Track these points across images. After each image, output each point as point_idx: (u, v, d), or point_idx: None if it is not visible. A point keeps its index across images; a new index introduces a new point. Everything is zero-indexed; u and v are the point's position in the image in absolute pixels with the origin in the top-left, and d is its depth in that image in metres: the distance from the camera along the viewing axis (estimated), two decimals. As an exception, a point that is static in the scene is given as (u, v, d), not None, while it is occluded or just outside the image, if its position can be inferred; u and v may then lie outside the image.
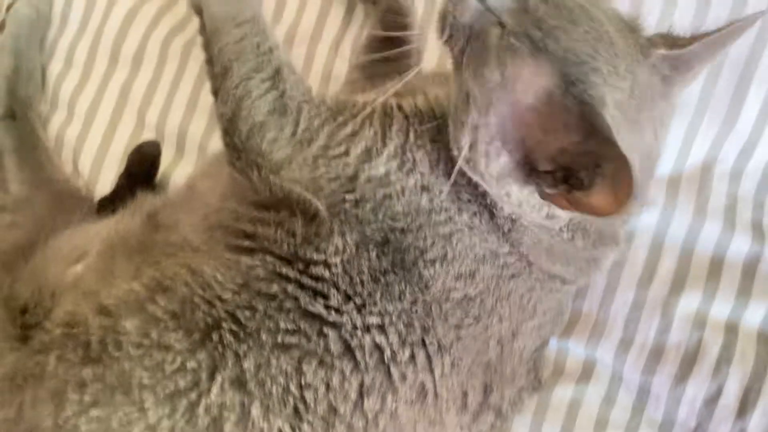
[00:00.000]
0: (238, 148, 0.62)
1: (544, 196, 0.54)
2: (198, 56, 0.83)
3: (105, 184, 0.84)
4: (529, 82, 0.52)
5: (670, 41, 0.58)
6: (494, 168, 0.55)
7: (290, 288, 0.57)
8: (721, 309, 0.68)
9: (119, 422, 0.57)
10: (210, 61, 0.65)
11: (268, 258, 0.58)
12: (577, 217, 0.57)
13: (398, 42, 0.79)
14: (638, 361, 0.70)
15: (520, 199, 0.56)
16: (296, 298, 0.56)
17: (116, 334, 0.59)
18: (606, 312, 0.72)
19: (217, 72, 0.64)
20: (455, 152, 0.56)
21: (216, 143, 0.81)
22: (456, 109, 0.56)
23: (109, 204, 0.81)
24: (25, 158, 0.81)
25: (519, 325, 0.61)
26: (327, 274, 0.57)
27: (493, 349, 0.60)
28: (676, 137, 0.71)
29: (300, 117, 0.62)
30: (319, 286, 0.57)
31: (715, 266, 0.69)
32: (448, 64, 0.59)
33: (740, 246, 0.70)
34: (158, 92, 0.84)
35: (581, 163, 0.51)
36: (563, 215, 0.57)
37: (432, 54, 0.80)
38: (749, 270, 0.69)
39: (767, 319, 0.68)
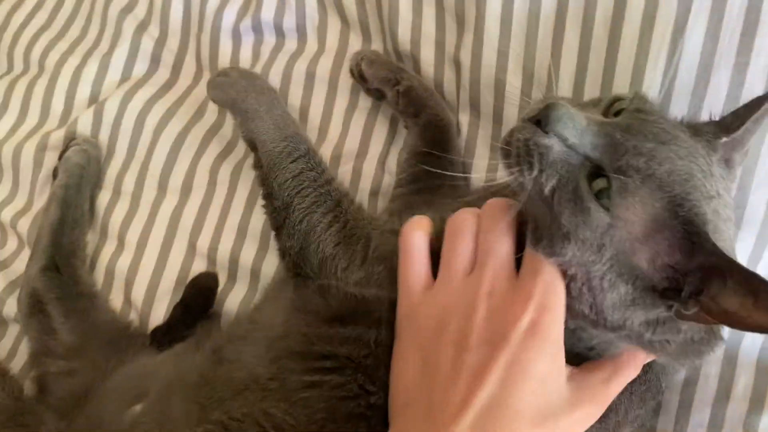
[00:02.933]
0: (310, 276, 0.64)
1: (680, 316, 0.50)
2: (246, 181, 0.85)
3: (158, 314, 0.83)
4: (640, 213, 0.49)
5: (723, 126, 0.57)
6: (610, 300, 0.50)
7: (375, 406, 0.56)
8: (807, 428, 0.65)
9: None
10: (269, 196, 0.68)
11: (356, 374, 0.57)
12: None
13: (440, 156, 0.79)
14: (721, 485, 0.67)
15: (642, 322, 0.51)
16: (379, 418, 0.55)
17: None
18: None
19: (278, 206, 0.67)
20: None
21: (268, 268, 0.81)
22: (549, 242, 0.51)
23: (163, 335, 0.80)
24: (70, 307, 0.82)
25: None
26: None
27: None
28: (744, 251, 0.69)
29: (369, 244, 0.64)
30: None
31: (796, 382, 0.67)
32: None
33: (820, 359, 0.67)
34: (208, 219, 0.84)
35: (693, 280, 0.49)
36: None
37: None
38: (833, 384, 0.66)
39: None
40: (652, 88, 0.70)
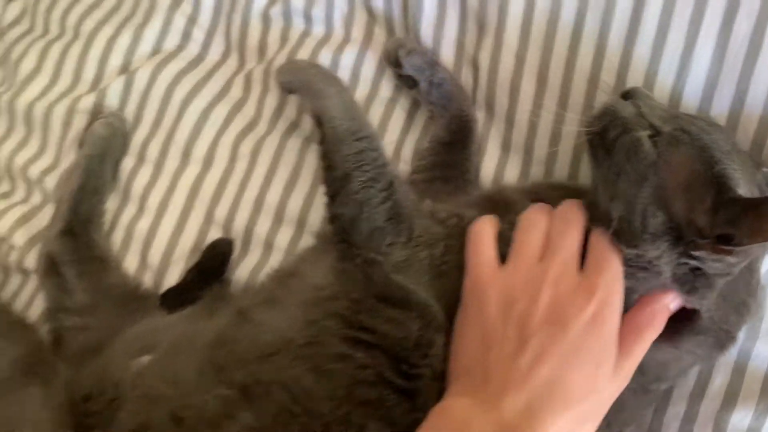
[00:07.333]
0: (359, 245, 0.68)
1: (695, 247, 0.58)
2: (266, 157, 0.89)
3: (172, 277, 0.87)
4: (682, 164, 0.59)
5: None
6: (651, 226, 0.59)
7: (389, 394, 0.60)
8: (773, 426, 0.71)
9: None
10: (329, 168, 0.72)
11: (381, 358, 0.61)
12: None
13: (461, 148, 0.83)
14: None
15: (669, 260, 0.59)
16: (392, 408, 0.60)
17: None
18: (659, 421, 0.74)
19: (337, 176, 0.70)
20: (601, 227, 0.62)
21: (281, 241, 0.86)
22: (605, 186, 0.62)
23: (175, 296, 0.84)
24: (84, 269, 0.85)
25: None
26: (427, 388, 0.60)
27: None
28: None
29: (414, 226, 0.68)
30: (419, 400, 0.60)
31: (768, 383, 0.72)
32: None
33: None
34: (227, 191, 0.88)
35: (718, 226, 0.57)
36: None
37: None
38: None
39: (823, 437, 0.70)
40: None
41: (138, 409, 0.66)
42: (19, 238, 0.90)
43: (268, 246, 0.87)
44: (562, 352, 0.55)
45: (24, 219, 0.91)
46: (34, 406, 0.71)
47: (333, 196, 0.71)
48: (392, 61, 0.86)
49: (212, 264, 0.84)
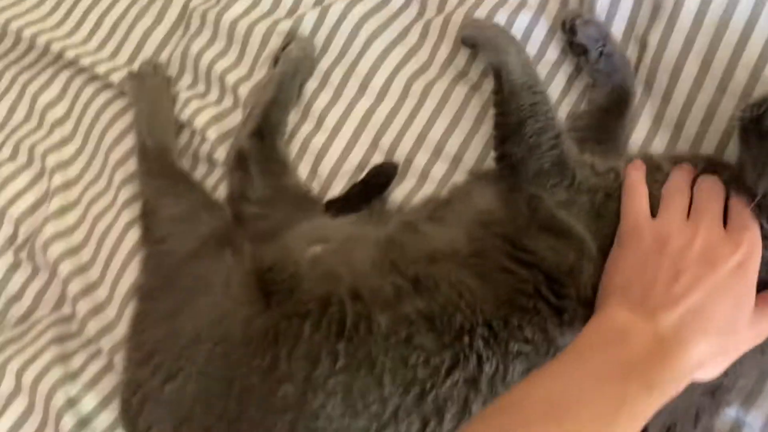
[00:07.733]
0: (525, 181, 0.78)
1: None
2: (434, 99, 0.99)
3: (336, 189, 0.99)
4: None
5: None
6: None
7: (543, 306, 0.70)
8: None
9: (359, 389, 0.70)
10: (504, 114, 0.82)
11: (540, 277, 0.71)
12: None
13: (616, 116, 0.92)
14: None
15: None
16: (545, 318, 0.70)
17: (369, 323, 0.72)
18: (762, 384, 0.81)
19: (512, 122, 0.81)
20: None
21: (436, 173, 0.96)
22: (754, 166, 0.70)
23: (341, 204, 0.96)
24: (267, 168, 0.98)
25: None
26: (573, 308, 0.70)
27: None
28: None
29: (576, 174, 0.77)
30: (566, 317, 0.70)
31: None
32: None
33: None
34: (395, 123, 0.99)
35: None
36: None
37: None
38: None
39: None
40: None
41: (319, 283, 0.77)
42: (212, 133, 1.04)
43: (424, 176, 0.97)
44: (709, 288, 0.64)
45: (217, 118, 1.05)
46: (226, 268, 0.84)
47: (504, 139, 0.82)
48: (567, 28, 0.94)
49: (376, 182, 0.96)
